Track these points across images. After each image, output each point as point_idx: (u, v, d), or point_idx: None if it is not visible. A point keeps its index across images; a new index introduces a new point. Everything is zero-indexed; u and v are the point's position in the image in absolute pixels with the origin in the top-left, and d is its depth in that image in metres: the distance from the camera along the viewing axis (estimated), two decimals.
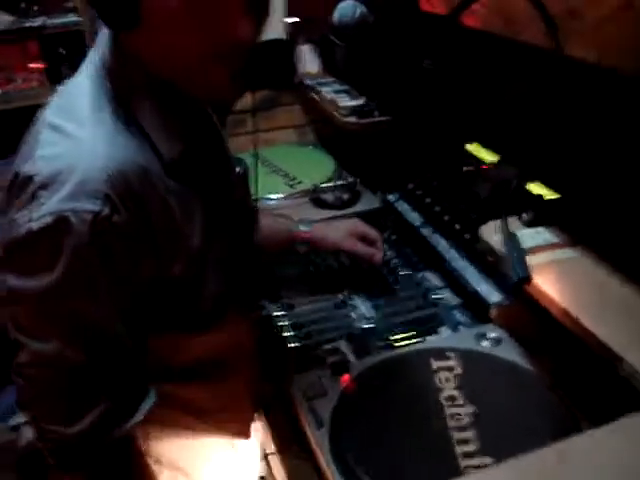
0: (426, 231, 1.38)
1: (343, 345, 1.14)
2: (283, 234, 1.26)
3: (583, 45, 1.09)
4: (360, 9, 1.07)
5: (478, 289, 1.18)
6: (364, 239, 1.29)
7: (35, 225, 0.67)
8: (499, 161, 1.35)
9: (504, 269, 0.94)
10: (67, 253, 0.68)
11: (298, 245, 1.26)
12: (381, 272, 1.35)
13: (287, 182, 1.68)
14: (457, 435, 0.88)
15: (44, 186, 0.68)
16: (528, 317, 1.05)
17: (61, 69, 1.81)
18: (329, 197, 1.60)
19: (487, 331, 1.11)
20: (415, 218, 1.42)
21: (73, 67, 1.72)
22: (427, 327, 1.18)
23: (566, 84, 1.09)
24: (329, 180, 1.66)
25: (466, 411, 0.93)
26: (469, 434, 0.88)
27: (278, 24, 1.83)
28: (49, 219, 0.67)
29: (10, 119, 1.89)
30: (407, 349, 1.11)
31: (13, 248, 0.71)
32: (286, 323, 1.20)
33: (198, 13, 0.70)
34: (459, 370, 1.03)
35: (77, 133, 0.73)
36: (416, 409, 0.97)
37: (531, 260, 0.92)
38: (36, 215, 0.67)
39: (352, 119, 1.51)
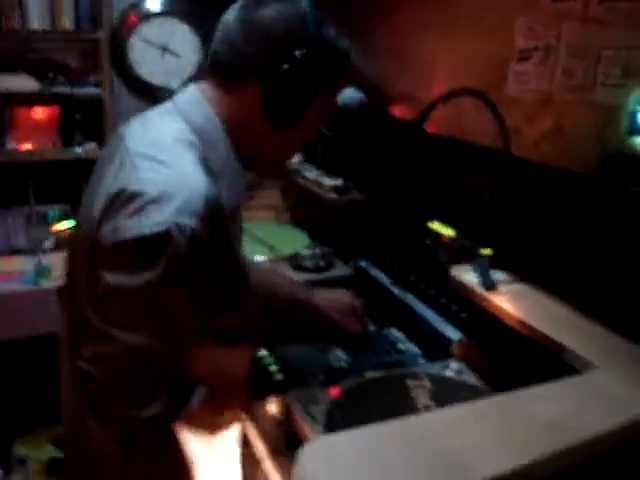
0: (396, 290, 1.61)
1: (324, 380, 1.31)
2: (284, 294, 1.44)
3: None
4: (360, 95, 1.38)
5: (441, 330, 1.42)
6: (348, 311, 1.46)
7: (147, 231, 0.82)
8: (454, 235, 1.65)
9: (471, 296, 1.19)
10: (167, 257, 0.82)
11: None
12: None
13: (268, 250, 1.92)
14: None
15: (153, 201, 0.83)
16: (480, 350, 1.30)
17: (74, 133, 2.02)
18: (307, 263, 1.83)
19: (450, 363, 1.33)
20: (385, 280, 1.67)
21: (86, 132, 1.95)
22: (394, 368, 1.37)
23: (506, 176, 1.44)
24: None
25: None
26: None
27: None
28: (160, 227, 0.82)
29: (23, 174, 2.07)
30: (384, 373, 1.30)
31: (120, 249, 0.83)
32: (271, 361, 1.38)
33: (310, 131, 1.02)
34: (430, 387, 1.23)
35: (172, 162, 0.89)
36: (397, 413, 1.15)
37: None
38: (147, 223, 0.82)
39: (334, 196, 1.78)
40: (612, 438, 0.73)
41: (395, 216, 1.80)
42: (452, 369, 1.31)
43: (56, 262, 2.10)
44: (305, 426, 1.10)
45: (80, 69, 2.03)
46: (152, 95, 2.12)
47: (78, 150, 1.98)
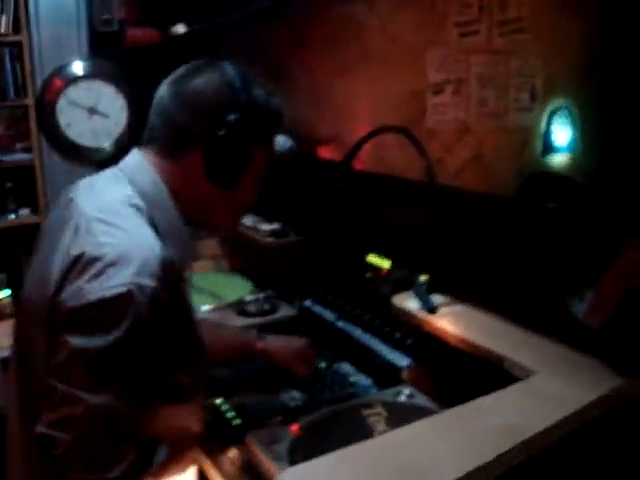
0: (341, 324, 1.66)
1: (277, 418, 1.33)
2: (239, 343, 1.48)
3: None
4: (290, 142, 1.45)
5: (389, 359, 1.47)
6: (302, 358, 1.50)
7: (108, 293, 0.84)
8: (392, 266, 1.72)
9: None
10: (130, 318, 0.84)
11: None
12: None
13: (212, 299, 1.93)
14: None
15: (112, 264, 0.86)
16: (428, 372, 1.36)
17: (6, 201, 1.99)
18: (252, 308, 1.85)
19: (401, 389, 1.38)
20: (330, 316, 1.71)
21: (18, 199, 1.93)
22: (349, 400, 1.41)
23: (433, 205, 1.53)
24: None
25: None
26: None
27: None
28: (120, 289, 0.84)
29: None
30: (339, 406, 1.34)
31: (82, 311, 0.85)
32: (227, 407, 1.38)
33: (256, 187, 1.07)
34: (385, 414, 1.27)
35: (125, 226, 0.92)
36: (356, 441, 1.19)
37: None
38: (108, 285, 0.84)
39: (271, 240, 1.83)
40: (558, 432, 0.80)
41: (333, 253, 1.86)
42: (404, 394, 1.36)
43: None
44: (270, 465, 1.11)
45: (5, 137, 2.02)
46: (81, 157, 2.12)
47: (12, 217, 1.95)
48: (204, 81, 1.02)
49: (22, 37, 1.83)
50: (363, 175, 1.73)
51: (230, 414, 1.36)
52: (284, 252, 1.86)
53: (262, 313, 1.84)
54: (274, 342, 1.49)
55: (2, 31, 1.81)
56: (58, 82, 1.99)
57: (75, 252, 0.89)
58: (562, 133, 2.09)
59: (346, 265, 1.83)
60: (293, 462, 1.11)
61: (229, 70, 1.05)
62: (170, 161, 1.03)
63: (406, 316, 1.31)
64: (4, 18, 1.78)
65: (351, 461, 0.78)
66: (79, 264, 0.88)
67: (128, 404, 0.86)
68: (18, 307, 1.09)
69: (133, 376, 0.88)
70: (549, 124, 1.63)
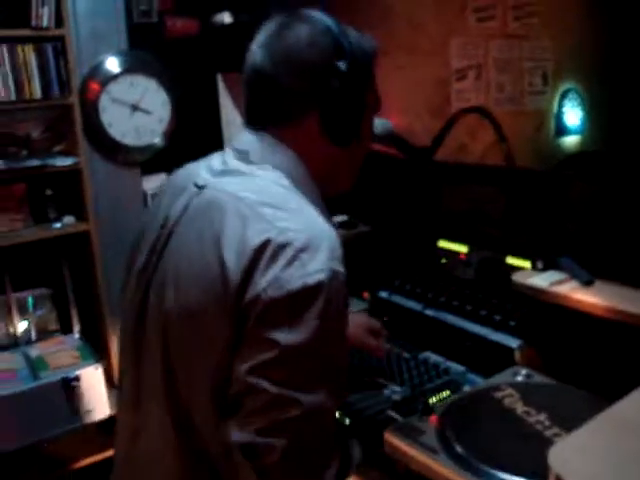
0: (431, 312, 1.62)
1: (393, 414, 1.27)
2: None
3: None
4: (389, 123, 1.41)
5: (497, 340, 1.43)
6: (372, 332, 1.45)
7: (309, 280, 0.78)
8: (470, 249, 1.69)
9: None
10: (329, 304, 0.79)
11: None
12: (389, 361, 1.51)
13: None
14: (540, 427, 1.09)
15: (303, 250, 0.80)
16: (544, 352, 1.34)
17: (47, 209, 1.87)
18: None
19: (518, 369, 1.35)
20: (414, 305, 1.66)
21: (59, 207, 1.82)
22: (452, 387, 1.37)
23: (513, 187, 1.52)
24: None
25: (540, 417, 1.13)
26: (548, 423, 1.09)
27: None
28: (320, 275, 0.79)
29: None
30: (466, 393, 1.29)
31: (287, 302, 0.79)
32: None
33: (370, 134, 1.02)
34: (517, 395, 1.23)
35: (296, 209, 0.88)
36: (506, 422, 1.15)
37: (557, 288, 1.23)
38: (306, 272, 0.79)
39: (341, 231, 1.77)
40: None
41: (403, 242, 1.82)
42: (522, 374, 1.33)
43: (45, 352, 1.92)
44: (424, 457, 1.06)
45: (42, 140, 1.89)
46: (125, 157, 2.03)
47: (56, 225, 1.82)
48: (300, 35, 0.94)
49: (65, 31, 1.71)
50: (446, 164, 1.70)
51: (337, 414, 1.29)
52: (354, 243, 1.80)
53: None
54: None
55: (44, 25, 1.68)
56: (99, 78, 1.88)
57: (257, 241, 0.82)
58: (573, 114, 2.12)
59: (417, 253, 1.80)
60: (450, 449, 1.06)
61: (321, 18, 0.97)
62: (288, 130, 0.96)
63: (535, 292, 1.27)
64: (46, 11, 1.66)
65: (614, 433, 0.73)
66: (266, 252, 0.81)
67: (336, 400, 0.81)
68: (139, 320, 0.97)
69: (338, 368, 0.83)
70: (560, 106, 1.66)
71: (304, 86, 0.93)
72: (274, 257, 0.80)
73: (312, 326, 0.78)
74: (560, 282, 1.25)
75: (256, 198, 0.88)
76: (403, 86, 1.96)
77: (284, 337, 0.77)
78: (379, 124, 1.46)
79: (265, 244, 0.81)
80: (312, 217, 0.87)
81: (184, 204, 0.95)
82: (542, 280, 1.28)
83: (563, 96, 1.71)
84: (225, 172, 0.96)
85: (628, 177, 1.37)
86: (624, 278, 1.21)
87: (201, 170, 0.99)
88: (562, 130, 1.69)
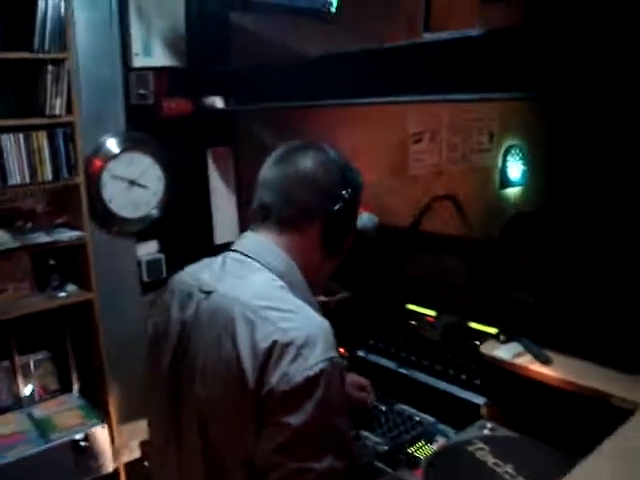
0: (404, 370, 1.84)
1: (380, 465, 1.47)
2: None
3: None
4: (375, 219, 1.65)
5: (464, 397, 1.67)
6: (360, 387, 1.66)
7: (311, 372, 0.95)
8: (437, 313, 1.93)
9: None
10: (328, 386, 0.96)
11: None
12: (370, 412, 1.70)
13: None
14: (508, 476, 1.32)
15: (303, 346, 0.97)
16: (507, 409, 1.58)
17: (50, 278, 1.99)
18: None
19: (483, 423, 1.58)
20: (389, 363, 1.88)
21: (62, 275, 1.95)
22: (426, 437, 1.59)
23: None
24: None
25: (507, 468, 1.36)
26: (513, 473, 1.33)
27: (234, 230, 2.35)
28: (320, 366, 0.96)
29: (4, 329, 1.97)
30: (446, 444, 1.51)
31: (294, 392, 0.95)
32: None
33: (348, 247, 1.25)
34: (488, 448, 1.47)
35: (292, 309, 1.04)
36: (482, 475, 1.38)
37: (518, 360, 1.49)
38: (308, 365, 0.96)
39: (323, 298, 1.98)
40: None
41: (375, 305, 2.03)
42: (487, 428, 1.56)
43: (50, 412, 2.03)
44: None
45: (44, 214, 2.03)
46: (120, 227, 2.19)
47: (61, 295, 1.95)
48: (315, 162, 1.16)
49: (74, 117, 1.86)
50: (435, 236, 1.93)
51: None
52: (335, 308, 2.01)
53: None
54: None
55: (57, 113, 1.83)
56: (100, 157, 2.04)
57: (266, 344, 0.98)
58: (515, 168, 2.42)
59: (388, 315, 2.02)
60: None
61: (331, 151, 1.19)
62: (290, 235, 1.15)
63: (500, 363, 1.51)
64: (59, 101, 1.81)
65: None
66: (275, 353, 0.98)
67: (343, 460, 0.98)
68: (174, 403, 1.14)
69: (341, 433, 1.01)
70: (504, 161, 1.92)
71: (314, 202, 1.14)
72: (281, 356, 0.97)
73: (315, 406, 0.95)
74: (520, 354, 1.51)
75: (259, 302, 1.04)
76: (368, 149, 2.17)
77: (294, 420, 0.94)
78: (369, 220, 1.70)
79: (273, 346, 0.98)
80: (307, 315, 1.05)
81: (195, 308, 1.12)
82: (505, 352, 1.53)
83: (506, 152, 1.92)
84: (226, 277, 1.13)
85: (567, 246, 1.60)
86: (579, 352, 1.46)
87: (204, 275, 1.16)
88: (505, 183, 1.92)
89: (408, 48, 1.74)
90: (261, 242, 1.16)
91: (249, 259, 1.14)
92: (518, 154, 2.35)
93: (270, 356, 0.98)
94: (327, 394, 0.97)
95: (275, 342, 0.98)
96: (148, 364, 1.28)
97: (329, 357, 0.99)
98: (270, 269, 1.12)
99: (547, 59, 1.39)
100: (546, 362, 1.40)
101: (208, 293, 1.12)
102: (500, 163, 1.85)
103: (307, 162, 1.16)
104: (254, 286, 1.09)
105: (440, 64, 1.50)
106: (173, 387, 1.14)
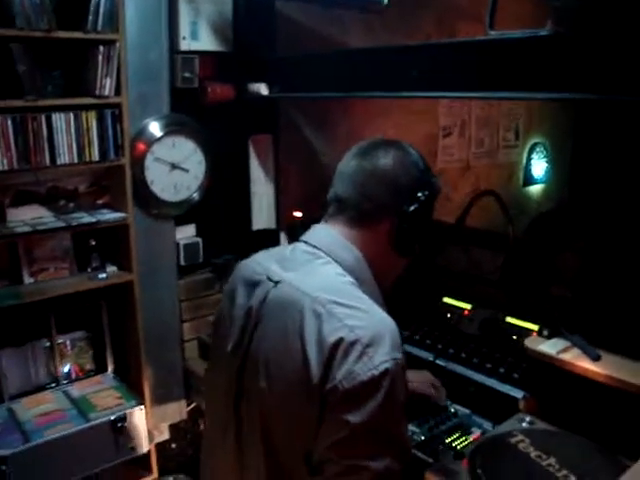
0: (441, 362, 1.86)
1: (419, 454, 1.51)
2: None
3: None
4: None
5: (503, 390, 1.69)
6: (433, 385, 1.70)
7: (376, 371, 0.96)
8: (473, 307, 1.95)
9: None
10: (391, 386, 0.97)
11: None
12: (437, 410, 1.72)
13: None
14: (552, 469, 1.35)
15: (369, 345, 0.97)
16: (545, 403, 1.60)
17: (90, 258, 2.01)
18: None
19: (522, 417, 1.60)
20: (426, 355, 1.90)
21: (102, 256, 1.97)
22: (464, 429, 1.63)
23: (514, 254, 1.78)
24: None
25: (550, 461, 1.39)
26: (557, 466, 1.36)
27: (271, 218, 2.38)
28: (385, 366, 0.96)
29: (44, 308, 2.00)
30: (488, 435, 1.54)
31: (358, 391, 0.95)
32: None
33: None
34: (528, 440, 1.49)
35: (361, 306, 1.03)
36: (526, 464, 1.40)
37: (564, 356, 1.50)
38: (373, 364, 0.96)
39: None
40: None
41: (410, 298, 2.05)
42: (526, 421, 1.59)
43: (86, 392, 2.05)
44: None
45: (86, 195, 2.04)
46: (161, 210, 2.20)
47: (102, 276, 1.96)
48: (395, 160, 1.15)
49: (122, 99, 1.87)
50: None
51: None
52: None
53: None
54: (414, 376, 1.66)
55: (106, 94, 1.84)
56: (144, 140, 2.05)
57: (332, 340, 0.99)
58: (539, 166, 2.45)
59: (424, 307, 2.04)
60: None
61: (412, 151, 1.19)
62: (362, 231, 1.14)
63: (545, 359, 1.53)
64: (109, 81, 1.82)
65: None
66: (340, 349, 0.98)
67: (400, 462, 0.99)
68: (237, 389, 1.14)
69: (400, 435, 1.02)
70: (529, 158, 1.96)
71: (389, 200, 1.13)
72: (346, 353, 0.97)
73: (377, 406, 0.96)
74: (565, 350, 1.53)
75: (326, 297, 1.04)
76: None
77: (353, 417, 0.95)
78: None
79: (339, 342, 0.98)
80: (375, 313, 1.04)
81: (263, 295, 1.12)
82: (550, 347, 1.55)
83: (531, 149, 1.95)
84: (295, 267, 1.13)
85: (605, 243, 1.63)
86: (625, 350, 1.48)
87: (272, 264, 1.16)
88: (529, 180, 1.95)
89: (460, 45, 1.73)
90: (332, 235, 1.16)
91: (319, 251, 1.14)
92: (543, 152, 2.38)
93: (336, 352, 0.98)
94: (390, 394, 0.98)
95: (341, 339, 0.98)
96: (211, 349, 1.31)
97: (394, 357, 0.99)
98: (339, 263, 1.12)
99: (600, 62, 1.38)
100: (597, 359, 1.41)
101: (276, 282, 1.12)
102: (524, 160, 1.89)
103: (388, 160, 1.15)
104: (323, 279, 1.09)
105: (504, 62, 1.48)
106: (235, 374, 1.15)
